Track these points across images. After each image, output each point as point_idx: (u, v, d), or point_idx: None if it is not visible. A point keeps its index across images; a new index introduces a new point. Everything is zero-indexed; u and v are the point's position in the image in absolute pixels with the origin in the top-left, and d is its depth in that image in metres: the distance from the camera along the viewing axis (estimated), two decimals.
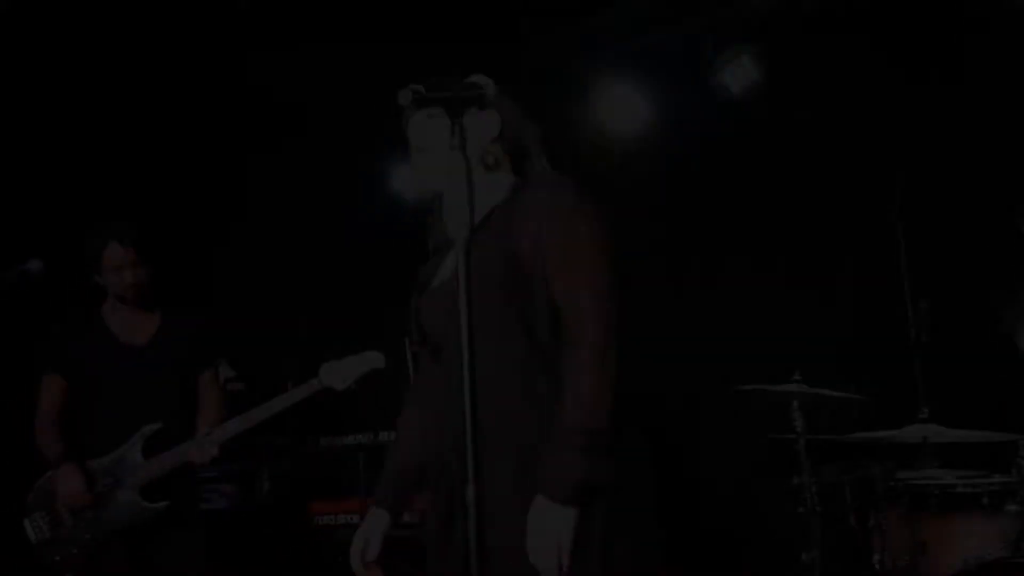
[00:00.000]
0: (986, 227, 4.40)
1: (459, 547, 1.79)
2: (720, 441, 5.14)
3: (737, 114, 5.12)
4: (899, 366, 4.50)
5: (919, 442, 3.51)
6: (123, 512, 3.28)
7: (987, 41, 4.53)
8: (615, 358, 1.83)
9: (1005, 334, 3.20)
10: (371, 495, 4.37)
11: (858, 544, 3.71)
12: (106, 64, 4.91)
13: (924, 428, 3.42)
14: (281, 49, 5.08)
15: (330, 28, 5.02)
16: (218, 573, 4.38)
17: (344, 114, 5.49)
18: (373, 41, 5.04)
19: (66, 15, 4.54)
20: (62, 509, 3.30)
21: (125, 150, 5.36)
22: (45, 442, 3.37)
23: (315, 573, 4.72)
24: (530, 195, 1.95)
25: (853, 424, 4.09)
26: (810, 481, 3.66)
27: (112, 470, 3.31)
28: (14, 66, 4.67)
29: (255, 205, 6.26)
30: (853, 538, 3.76)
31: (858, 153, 4.94)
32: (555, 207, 1.91)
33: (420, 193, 2.07)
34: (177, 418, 3.39)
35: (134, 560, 3.28)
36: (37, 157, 4.99)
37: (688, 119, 5.33)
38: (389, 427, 4.59)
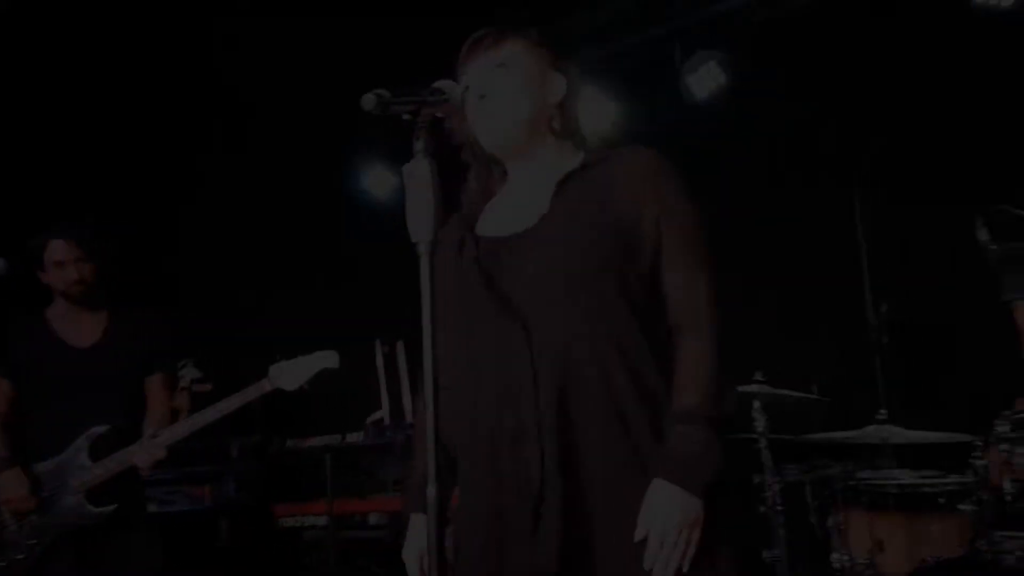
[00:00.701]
0: (946, 233, 4.49)
1: (545, 544, 1.64)
2: None
3: (703, 118, 5.17)
4: (859, 368, 4.59)
5: (878, 443, 3.58)
6: (69, 516, 3.22)
7: (948, 47, 4.61)
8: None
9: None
10: (337, 497, 4.43)
11: (819, 543, 3.77)
12: (60, 59, 4.83)
13: (882, 429, 3.48)
14: (242, 39, 5.02)
15: (295, 23, 4.99)
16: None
17: (308, 112, 5.46)
18: (341, 44, 5.03)
19: (18, 11, 4.46)
20: (6, 514, 3.23)
21: (80, 146, 5.28)
22: None
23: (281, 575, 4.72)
24: (626, 166, 1.81)
25: (813, 425, 4.16)
26: (772, 480, 3.71)
27: (58, 474, 3.24)
28: None
29: (223, 204, 6.22)
30: (814, 537, 3.82)
31: (820, 157, 5.01)
32: (669, 184, 1.80)
33: (489, 147, 1.87)
34: (125, 421, 3.31)
35: (82, 564, 3.21)
36: None
37: (655, 123, 5.37)
38: (357, 428, 4.58)
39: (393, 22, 4.88)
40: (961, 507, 3.23)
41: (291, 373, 3.27)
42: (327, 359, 3.32)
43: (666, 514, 1.62)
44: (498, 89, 1.81)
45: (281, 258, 6.15)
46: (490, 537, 1.69)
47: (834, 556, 3.54)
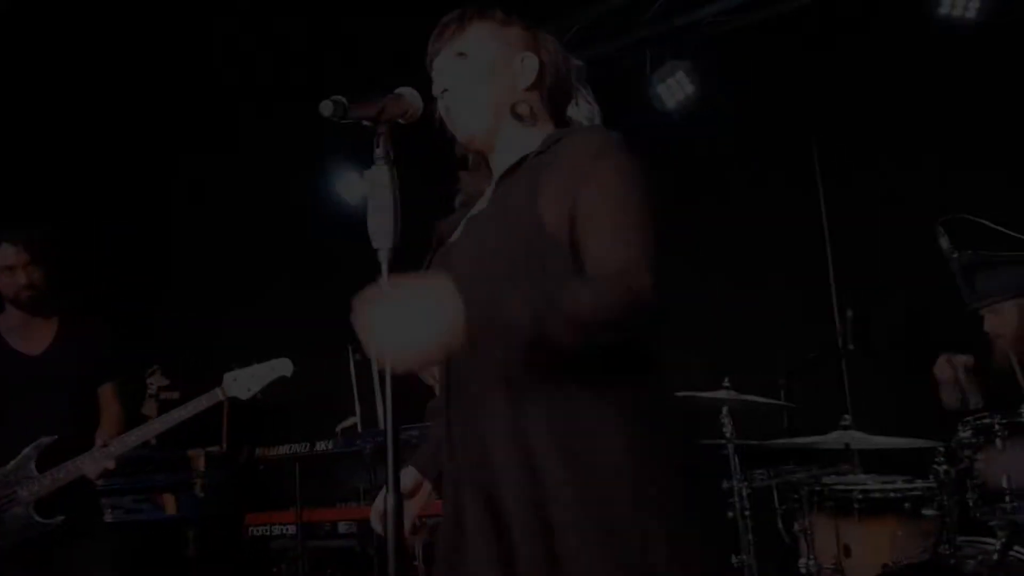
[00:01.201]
0: (909, 240, 4.54)
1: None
2: None
3: (673, 127, 5.20)
4: (824, 373, 4.63)
5: (842, 448, 3.61)
6: (16, 528, 3.16)
7: (910, 56, 4.68)
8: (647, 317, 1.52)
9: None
10: (306, 506, 4.41)
11: (787, 548, 3.79)
12: (27, 60, 4.78)
13: (846, 435, 3.51)
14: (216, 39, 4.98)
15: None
16: None
17: (278, 115, 5.43)
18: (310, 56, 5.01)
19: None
20: None
21: (45, 147, 5.21)
22: None
23: None
24: (567, 149, 1.65)
25: (779, 430, 4.19)
26: (740, 486, 3.73)
27: (5, 485, 3.18)
28: None
29: (195, 208, 6.19)
30: (782, 542, 3.84)
31: (788, 165, 5.07)
32: (600, 161, 1.61)
33: (462, 142, 1.79)
34: (74, 429, 3.26)
35: (34, 574, 3.16)
36: None
37: (624, 131, 5.39)
38: (326, 437, 4.56)
39: (370, 22, 4.85)
40: (925, 512, 3.27)
41: (245, 382, 3.25)
42: (281, 367, 3.29)
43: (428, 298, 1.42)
44: (458, 81, 1.74)
45: (252, 263, 6.12)
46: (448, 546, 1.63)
47: (801, 561, 3.57)
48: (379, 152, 1.55)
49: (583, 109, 1.84)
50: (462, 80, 1.75)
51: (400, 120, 1.60)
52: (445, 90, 1.75)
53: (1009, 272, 3.12)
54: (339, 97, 1.53)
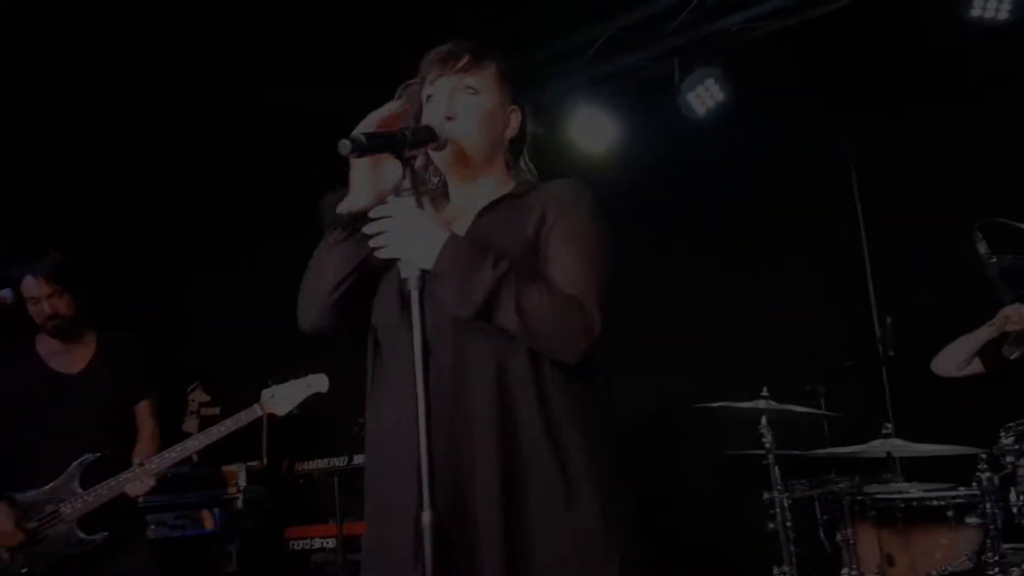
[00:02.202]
0: (951, 245, 4.49)
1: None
2: (690, 458, 5.18)
3: (705, 135, 5.19)
4: (865, 381, 4.58)
5: (883, 456, 3.57)
6: (60, 545, 3.20)
7: (946, 59, 4.63)
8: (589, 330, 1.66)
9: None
10: (346, 519, 4.43)
11: (828, 558, 3.76)
12: (39, 85, 4.82)
13: (888, 443, 3.47)
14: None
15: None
16: None
17: (311, 123, 5.42)
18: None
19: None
20: None
21: (70, 168, 5.26)
22: None
23: None
24: (542, 194, 1.82)
25: (820, 439, 4.16)
26: (780, 497, 3.70)
27: (49, 502, 3.23)
28: None
29: (233, 228, 6.23)
30: (823, 553, 3.81)
31: (824, 173, 5.03)
32: (570, 202, 1.79)
33: (445, 165, 1.86)
34: (115, 447, 3.32)
35: None
36: None
37: (656, 140, 5.40)
38: (363, 451, 4.58)
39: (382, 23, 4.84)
40: (969, 520, 3.23)
41: (282, 398, 3.30)
42: (317, 383, 3.34)
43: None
44: (468, 114, 1.82)
45: (291, 282, 6.15)
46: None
47: (844, 571, 3.54)
48: (405, 183, 1.62)
49: (528, 165, 1.98)
50: (472, 115, 1.82)
51: (430, 151, 1.71)
52: (450, 117, 1.80)
53: None
54: (359, 136, 1.57)
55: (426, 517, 1.41)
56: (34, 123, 4.90)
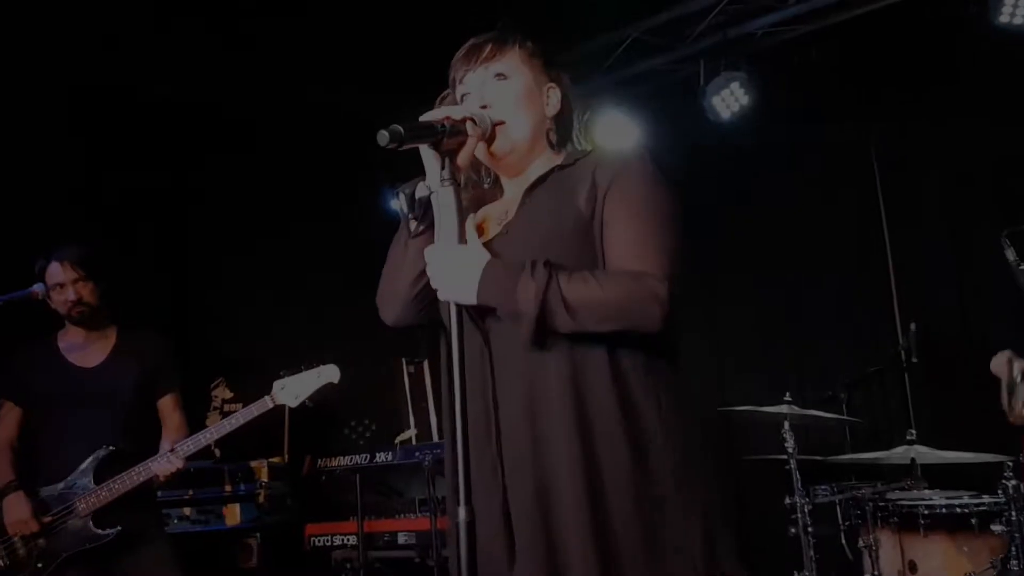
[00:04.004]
0: (975, 252, 4.47)
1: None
2: (713, 461, 5.17)
3: (729, 138, 5.18)
4: (888, 388, 4.56)
5: (906, 463, 3.56)
6: (74, 540, 3.20)
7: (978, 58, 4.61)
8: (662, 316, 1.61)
9: None
10: (367, 516, 4.45)
11: (849, 564, 3.74)
12: (57, 81, 4.86)
13: (912, 449, 3.46)
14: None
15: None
16: None
17: (333, 123, 5.44)
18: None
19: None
20: (16, 538, 3.22)
21: (91, 164, 5.29)
22: None
23: None
24: (599, 162, 1.77)
25: (842, 445, 4.14)
26: (802, 502, 3.69)
27: (64, 496, 3.23)
28: None
29: (256, 222, 6.25)
30: (844, 558, 3.79)
31: (848, 178, 5.01)
32: (630, 169, 1.74)
33: (501, 153, 1.82)
34: (132, 442, 3.31)
35: None
36: None
37: (680, 143, 5.39)
38: (385, 449, 4.61)
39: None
40: (993, 528, 3.21)
41: (293, 388, 3.27)
42: (328, 374, 3.30)
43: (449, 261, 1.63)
44: (501, 100, 1.80)
45: (312, 279, 6.18)
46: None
47: None
48: (444, 174, 1.60)
49: (585, 140, 1.95)
50: (506, 99, 1.81)
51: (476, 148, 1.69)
52: (485, 106, 1.79)
53: None
54: (396, 127, 1.54)
55: (462, 513, 1.42)
56: (69, 118, 4.97)
